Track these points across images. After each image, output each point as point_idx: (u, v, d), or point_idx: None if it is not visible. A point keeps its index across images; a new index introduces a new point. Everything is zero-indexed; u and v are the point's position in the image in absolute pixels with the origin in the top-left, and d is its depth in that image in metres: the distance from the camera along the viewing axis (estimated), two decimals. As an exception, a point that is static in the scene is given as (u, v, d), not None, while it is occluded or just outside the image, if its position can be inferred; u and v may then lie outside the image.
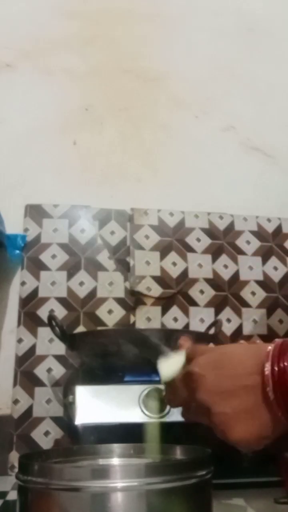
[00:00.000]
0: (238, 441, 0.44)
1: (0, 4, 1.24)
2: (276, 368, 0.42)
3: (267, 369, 0.42)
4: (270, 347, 0.44)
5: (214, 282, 1.06)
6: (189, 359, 0.50)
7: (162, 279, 1.04)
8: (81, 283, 1.01)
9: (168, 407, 0.70)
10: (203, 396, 0.45)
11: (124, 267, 1.04)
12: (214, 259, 1.08)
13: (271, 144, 1.24)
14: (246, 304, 1.06)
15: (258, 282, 1.08)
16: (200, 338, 0.89)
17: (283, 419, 0.42)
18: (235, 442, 0.44)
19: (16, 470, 0.49)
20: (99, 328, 0.98)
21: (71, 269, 1.02)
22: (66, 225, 1.05)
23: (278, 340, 0.45)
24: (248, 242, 1.11)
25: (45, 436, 0.90)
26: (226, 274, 1.08)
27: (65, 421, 0.90)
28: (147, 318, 1.01)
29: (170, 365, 0.52)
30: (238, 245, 1.11)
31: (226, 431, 0.44)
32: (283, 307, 1.07)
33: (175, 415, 0.69)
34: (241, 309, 1.05)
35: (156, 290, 1.03)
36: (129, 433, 0.68)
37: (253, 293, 1.07)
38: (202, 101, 1.25)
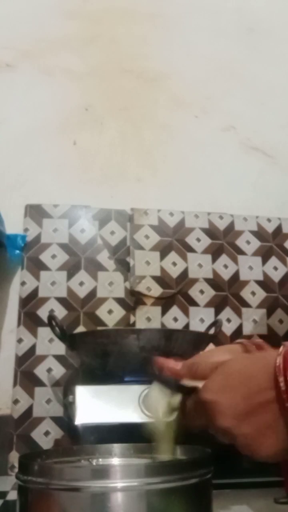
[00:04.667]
0: (267, 458, 0.44)
1: (0, 4, 1.24)
2: None
3: (282, 384, 0.41)
4: (278, 358, 0.43)
5: (214, 282, 1.06)
6: (191, 390, 0.49)
7: (162, 279, 1.04)
8: (81, 283, 1.01)
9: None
10: (221, 422, 0.44)
11: (124, 267, 1.04)
12: (214, 259, 1.08)
13: (271, 144, 1.24)
14: (246, 304, 1.06)
15: (258, 282, 1.08)
16: (200, 338, 0.89)
17: None
18: (264, 459, 0.44)
19: (16, 470, 0.49)
20: (99, 328, 0.98)
21: (71, 269, 1.02)
22: (66, 225, 1.05)
23: (283, 350, 0.44)
24: (248, 242, 1.11)
25: (45, 436, 0.90)
26: (226, 274, 1.08)
27: (65, 421, 0.90)
28: (147, 318, 1.01)
29: (159, 405, 0.51)
30: (238, 245, 1.11)
31: (253, 451, 0.44)
32: (283, 307, 1.07)
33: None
34: (241, 309, 1.05)
35: (156, 290, 1.03)
36: (129, 433, 0.68)
37: (253, 293, 1.07)
38: (202, 101, 1.25)
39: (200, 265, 1.07)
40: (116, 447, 0.58)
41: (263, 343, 0.54)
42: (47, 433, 0.91)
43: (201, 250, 1.09)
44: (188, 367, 0.51)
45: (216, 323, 0.94)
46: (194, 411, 0.48)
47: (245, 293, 1.07)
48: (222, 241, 1.11)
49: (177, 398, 0.51)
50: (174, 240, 1.08)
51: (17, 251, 0.99)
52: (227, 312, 1.05)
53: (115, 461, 0.57)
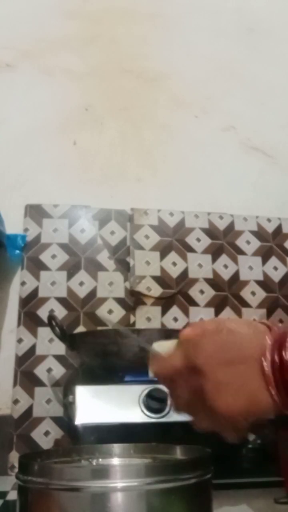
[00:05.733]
0: (224, 411, 0.43)
1: (0, 4, 1.24)
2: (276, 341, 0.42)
3: (269, 339, 0.43)
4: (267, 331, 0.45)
5: (214, 282, 1.06)
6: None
7: (162, 279, 1.04)
8: (81, 283, 1.01)
9: (167, 408, 0.70)
10: (198, 358, 0.45)
11: (124, 267, 1.04)
12: (214, 259, 1.08)
13: (271, 144, 1.24)
14: (246, 304, 1.06)
15: (258, 282, 1.08)
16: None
17: (275, 398, 0.42)
18: (222, 411, 0.43)
19: (16, 470, 0.49)
20: (99, 328, 0.98)
21: (71, 269, 1.02)
22: (66, 225, 1.05)
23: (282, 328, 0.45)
24: (248, 242, 1.11)
25: (45, 436, 0.90)
26: (226, 274, 1.08)
27: (65, 421, 0.90)
28: (147, 318, 1.01)
29: (164, 345, 0.52)
30: (238, 245, 1.11)
31: (214, 399, 0.43)
32: (283, 307, 1.07)
33: (175, 415, 0.69)
34: (241, 309, 1.05)
35: (156, 290, 1.03)
36: (129, 433, 0.69)
37: (253, 293, 1.07)
38: (202, 101, 1.25)
39: (200, 265, 1.07)
40: (116, 447, 0.58)
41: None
42: (47, 433, 0.91)
43: (201, 250, 1.09)
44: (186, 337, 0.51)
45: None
46: (178, 350, 0.48)
47: (245, 293, 1.07)
48: (222, 241, 1.11)
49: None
50: (174, 240, 1.08)
51: (17, 251, 0.99)
52: (227, 312, 1.05)
53: (115, 461, 0.57)
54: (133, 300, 1.02)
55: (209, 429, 0.46)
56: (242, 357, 0.44)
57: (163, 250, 1.07)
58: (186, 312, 1.03)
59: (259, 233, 1.13)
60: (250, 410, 0.43)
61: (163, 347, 0.52)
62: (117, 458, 0.57)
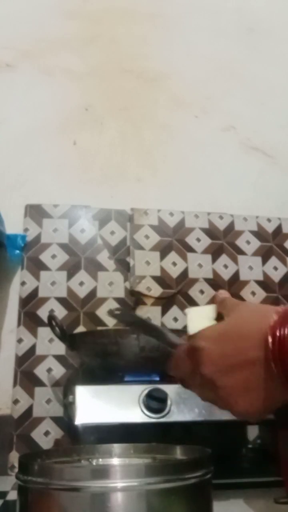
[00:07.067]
0: (242, 414, 0.44)
1: (0, 4, 1.24)
2: (278, 336, 0.42)
3: (271, 343, 0.42)
4: (274, 316, 0.44)
5: (214, 282, 1.06)
6: (219, 315, 0.50)
7: (162, 279, 1.04)
8: (81, 283, 1.01)
9: (167, 408, 0.70)
10: (206, 369, 0.45)
11: (124, 267, 1.04)
12: (214, 259, 1.08)
13: (271, 144, 1.24)
14: (246, 304, 1.06)
15: (258, 282, 1.08)
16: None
17: (285, 390, 0.42)
18: (238, 415, 0.44)
19: (16, 470, 0.49)
20: (99, 328, 0.98)
21: (71, 269, 1.02)
22: (66, 225, 1.05)
23: (282, 309, 0.44)
24: (248, 242, 1.11)
25: (45, 436, 0.90)
26: (226, 274, 1.08)
27: (65, 421, 0.90)
28: (147, 318, 1.01)
29: (200, 315, 0.52)
30: (238, 245, 1.11)
31: (230, 404, 0.44)
32: (283, 307, 1.07)
33: (175, 415, 0.69)
34: (241, 309, 1.05)
35: (156, 290, 1.03)
36: (129, 433, 0.69)
37: (253, 293, 1.07)
38: (202, 101, 1.25)
39: (200, 265, 1.07)
40: (116, 447, 0.58)
41: None
42: (47, 433, 0.91)
43: (201, 250, 1.09)
44: (221, 299, 0.53)
45: (216, 323, 0.94)
46: (184, 353, 0.49)
47: (245, 293, 1.07)
48: (222, 241, 1.11)
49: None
50: (174, 240, 1.08)
51: (17, 251, 0.99)
52: (227, 312, 1.04)
53: (115, 461, 0.57)
54: (133, 300, 1.02)
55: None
56: (246, 360, 0.44)
57: (163, 250, 1.07)
58: (186, 312, 1.03)
59: (259, 233, 1.13)
60: (267, 407, 0.44)
61: (198, 318, 0.52)
62: (117, 458, 0.57)
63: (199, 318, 0.52)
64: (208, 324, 0.50)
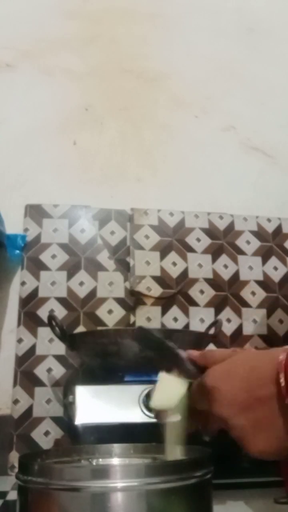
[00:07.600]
0: (259, 454, 0.43)
1: (0, 4, 1.24)
2: None
3: (283, 380, 0.41)
4: (282, 355, 0.43)
5: (214, 282, 1.06)
6: (202, 369, 0.49)
7: (162, 279, 1.04)
8: (81, 283, 1.01)
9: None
10: (219, 410, 0.45)
11: (124, 267, 1.04)
12: (214, 259, 1.08)
13: (271, 144, 1.24)
14: (246, 304, 1.06)
15: (258, 282, 1.08)
16: (200, 338, 0.89)
17: None
18: (256, 455, 0.43)
19: (16, 470, 0.49)
20: (99, 328, 0.98)
21: (71, 269, 1.02)
22: (66, 225, 1.05)
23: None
24: (248, 242, 1.11)
25: (45, 436, 0.90)
26: (226, 274, 1.08)
27: (65, 421, 0.90)
28: (147, 318, 1.01)
29: (170, 385, 0.51)
30: (238, 245, 1.11)
31: (245, 444, 0.43)
32: (283, 307, 1.07)
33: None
34: (241, 309, 1.05)
35: (156, 290, 1.03)
36: (129, 433, 0.69)
37: (253, 293, 1.07)
38: (202, 101, 1.25)
39: (200, 265, 1.07)
40: (116, 447, 0.58)
41: None
42: (47, 433, 0.91)
43: (201, 250, 1.09)
44: (203, 353, 0.51)
45: (216, 323, 0.94)
46: (197, 394, 0.48)
47: (245, 293, 1.07)
48: (222, 241, 1.11)
49: (184, 387, 0.50)
50: (174, 240, 1.08)
51: (17, 251, 0.99)
52: (227, 312, 1.05)
53: (115, 461, 0.57)
54: (133, 300, 1.02)
55: None
56: (257, 398, 0.43)
57: (163, 250, 1.07)
58: (186, 312, 1.03)
59: (259, 233, 1.13)
60: (281, 445, 0.42)
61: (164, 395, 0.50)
62: (117, 458, 0.57)
63: (167, 388, 0.51)
64: (175, 396, 0.50)
